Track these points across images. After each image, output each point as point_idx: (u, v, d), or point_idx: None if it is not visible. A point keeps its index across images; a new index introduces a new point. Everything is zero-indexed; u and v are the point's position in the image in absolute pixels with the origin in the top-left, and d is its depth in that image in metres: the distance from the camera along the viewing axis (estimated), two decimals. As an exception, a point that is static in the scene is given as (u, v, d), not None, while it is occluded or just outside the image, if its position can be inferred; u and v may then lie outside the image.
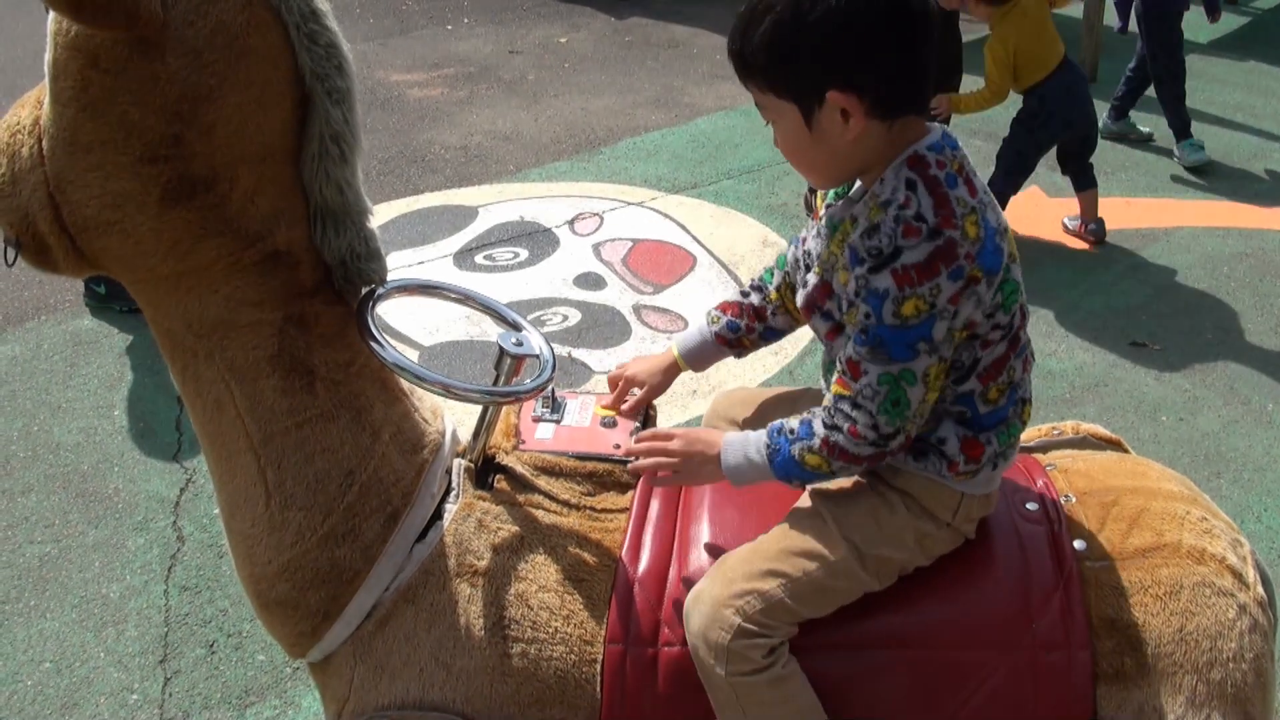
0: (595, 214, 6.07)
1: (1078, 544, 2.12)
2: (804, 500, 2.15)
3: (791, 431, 2.01)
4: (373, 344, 2.08)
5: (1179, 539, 2.11)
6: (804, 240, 2.17)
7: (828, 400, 1.99)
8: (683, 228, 5.90)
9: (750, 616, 1.99)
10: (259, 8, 1.88)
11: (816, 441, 1.97)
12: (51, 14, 1.85)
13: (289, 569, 2.09)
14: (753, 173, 6.53)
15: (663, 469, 2.12)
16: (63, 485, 4.14)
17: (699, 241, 5.74)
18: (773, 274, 2.35)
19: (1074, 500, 2.21)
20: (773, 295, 2.34)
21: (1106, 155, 6.82)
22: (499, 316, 2.33)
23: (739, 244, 5.70)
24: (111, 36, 1.81)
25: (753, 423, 2.42)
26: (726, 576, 2.04)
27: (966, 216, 1.85)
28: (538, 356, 2.21)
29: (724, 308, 2.39)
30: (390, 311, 5.04)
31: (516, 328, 2.27)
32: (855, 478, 2.12)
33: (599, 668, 2.08)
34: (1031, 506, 2.20)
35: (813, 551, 2.04)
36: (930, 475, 2.06)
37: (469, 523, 2.17)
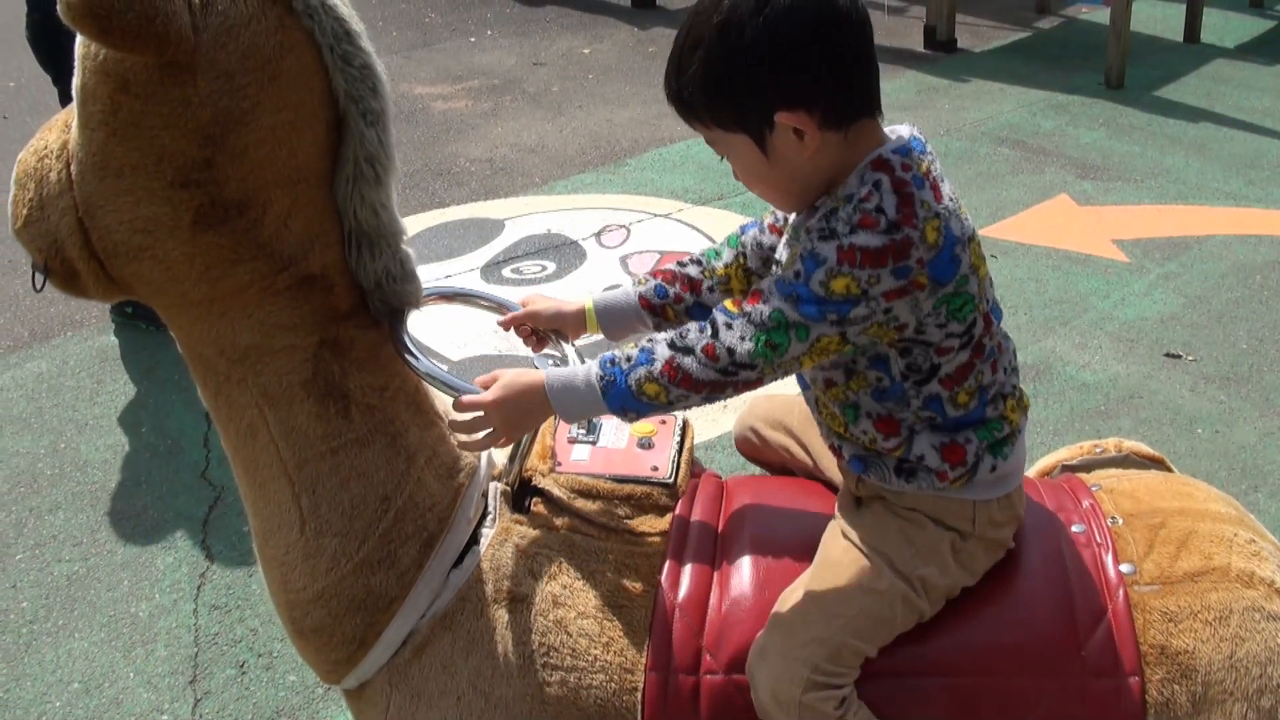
0: (622, 226, 6.05)
1: (1125, 567, 2.08)
2: (835, 537, 2.10)
3: (628, 359, 1.91)
4: (407, 357, 2.06)
5: (1228, 562, 2.06)
6: (769, 228, 2.18)
7: (690, 323, 1.92)
8: (710, 239, 5.86)
9: (817, 666, 1.95)
10: (292, 30, 1.86)
11: (658, 366, 1.88)
12: (80, 37, 1.82)
13: (324, 596, 2.06)
14: (779, 183, 6.46)
15: (491, 435, 2.03)
16: (90, 503, 4.13)
17: (726, 253, 5.68)
18: (719, 252, 2.27)
19: (1121, 522, 2.16)
20: (718, 271, 2.25)
21: (1135, 162, 6.79)
22: (553, 348, 2.30)
23: (766, 255, 5.61)
24: (141, 60, 1.78)
25: (774, 431, 2.42)
26: (785, 628, 2.00)
27: (929, 220, 1.80)
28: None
29: (654, 273, 2.29)
30: (417, 326, 5.02)
31: (562, 358, 2.24)
32: (874, 508, 2.08)
33: (640, 696, 2.05)
34: (1078, 529, 2.16)
35: (861, 585, 2.00)
36: (930, 493, 2.02)
37: (506, 548, 2.13)
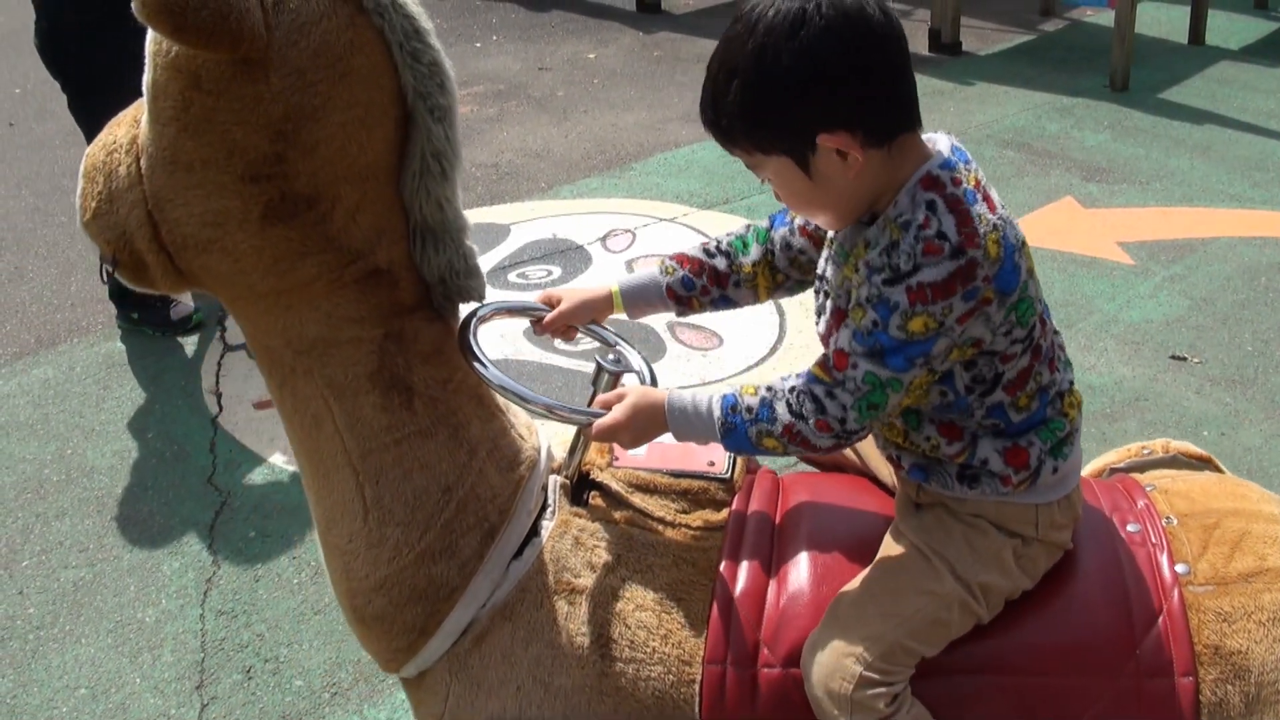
0: (628, 230, 6.05)
1: (1180, 568, 2.09)
2: (896, 538, 2.12)
3: (749, 410, 1.96)
4: (476, 365, 2.09)
5: None
6: (800, 230, 2.20)
7: (797, 383, 1.94)
8: (715, 243, 5.84)
9: (870, 664, 1.96)
10: (362, 27, 1.89)
11: (779, 428, 1.93)
12: (150, 34, 1.86)
13: (386, 584, 2.09)
14: (784, 187, 6.45)
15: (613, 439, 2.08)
16: (97, 509, 4.13)
17: (731, 257, 5.67)
18: (746, 245, 2.27)
19: (1175, 522, 2.17)
20: (745, 268, 2.25)
21: (1140, 164, 6.78)
22: (594, 334, 2.32)
23: (772, 259, 5.60)
24: (214, 57, 1.81)
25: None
26: (840, 624, 2.02)
27: (989, 234, 1.82)
28: (636, 373, 2.20)
29: (681, 260, 2.28)
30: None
31: (612, 344, 2.27)
32: (935, 512, 2.09)
33: (697, 688, 2.07)
34: (1133, 528, 2.18)
35: (920, 587, 2.02)
36: (993, 498, 2.03)
37: (565, 540, 2.16)
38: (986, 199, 1.87)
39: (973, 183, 1.87)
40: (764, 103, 1.82)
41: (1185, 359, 4.87)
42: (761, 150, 1.89)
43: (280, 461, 4.32)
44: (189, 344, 5.14)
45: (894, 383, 1.86)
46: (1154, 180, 6.61)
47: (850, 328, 1.89)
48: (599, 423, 2.04)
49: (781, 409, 1.94)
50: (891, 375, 1.85)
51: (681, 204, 6.36)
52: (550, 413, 2.08)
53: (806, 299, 2.15)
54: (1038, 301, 1.95)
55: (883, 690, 1.96)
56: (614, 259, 5.75)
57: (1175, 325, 5.12)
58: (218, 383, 4.84)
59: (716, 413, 1.98)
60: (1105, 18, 8.58)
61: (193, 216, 1.93)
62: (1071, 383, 2.08)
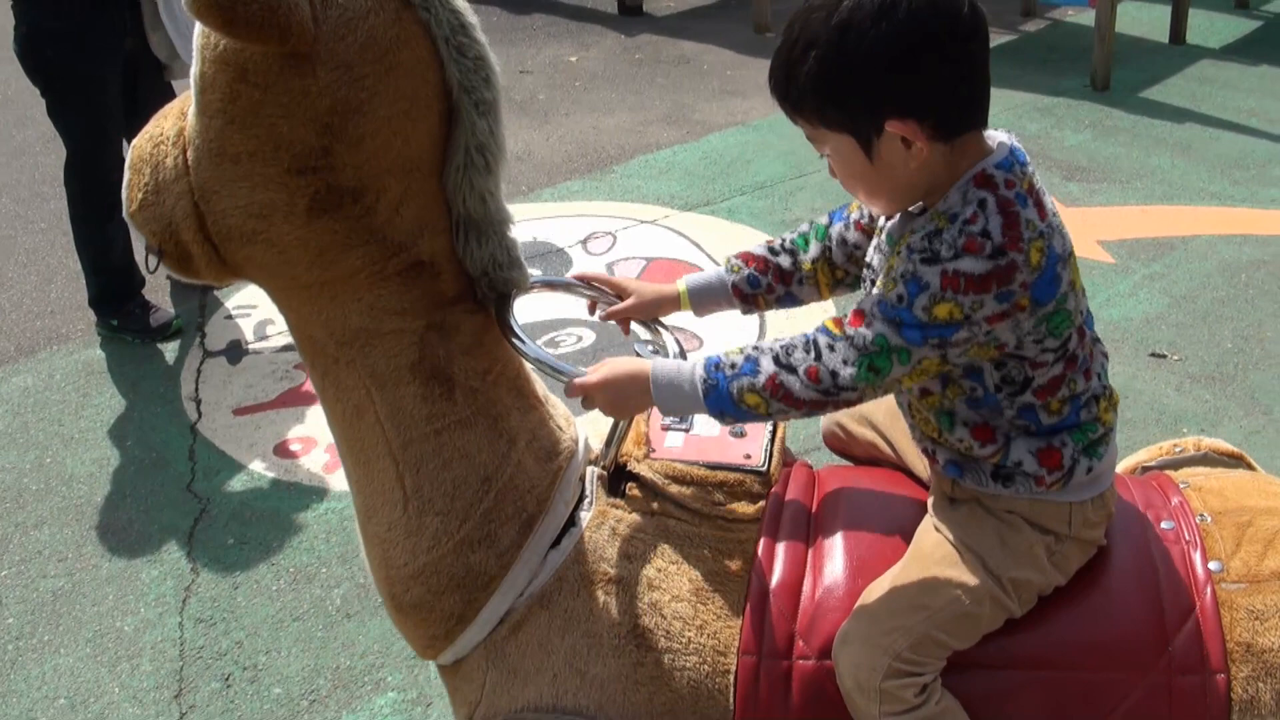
0: (608, 233, 6.04)
1: (1213, 565, 2.10)
2: (928, 530, 2.13)
3: (732, 366, 1.95)
4: (515, 341, 2.12)
5: None
6: (855, 225, 2.21)
7: (792, 339, 1.94)
8: (696, 245, 5.87)
9: (900, 655, 1.97)
10: (409, 22, 1.91)
11: (762, 380, 1.91)
12: (198, 27, 1.87)
13: (425, 573, 2.12)
14: (765, 188, 6.50)
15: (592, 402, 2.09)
16: (76, 518, 4.12)
17: (712, 259, 5.68)
18: (808, 242, 2.29)
19: (1209, 520, 2.18)
20: (805, 266, 2.28)
21: (1120, 163, 6.79)
22: (647, 326, 2.34)
23: (752, 261, 5.59)
24: (262, 50, 1.82)
25: (861, 425, 2.45)
26: (870, 615, 2.03)
27: (1033, 241, 1.81)
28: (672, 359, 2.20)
29: (747, 259, 2.31)
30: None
31: (653, 330, 2.30)
32: (969, 506, 2.09)
33: (732, 679, 2.08)
34: (1167, 525, 2.18)
35: (952, 581, 2.02)
36: (1027, 497, 2.03)
37: (603, 530, 2.18)
38: (1039, 204, 1.86)
39: (1026, 186, 1.86)
40: (840, 80, 1.82)
41: (1165, 356, 4.88)
42: (826, 125, 1.89)
43: (259, 468, 4.31)
44: (169, 350, 5.12)
45: (902, 353, 1.84)
46: (1135, 179, 6.62)
47: (876, 295, 1.88)
48: (575, 380, 2.06)
49: (767, 362, 1.92)
50: (903, 344, 1.83)
51: (663, 206, 6.35)
52: (539, 365, 2.13)
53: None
54: (1077, 314, 1.94)
55: (912, 681, 1.97)
56: (595, 261, 5.74)
57: (1155, 323, 5.12)
58: (197, 389, 4.82)
59: (700, 371, 1.97)
60: (1086, 17, 8.59)
61: (238, 208, 1.94)
62: (1107, 388, 2.08)
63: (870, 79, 1.80)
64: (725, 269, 2.32)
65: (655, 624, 2.10)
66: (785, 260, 2.29)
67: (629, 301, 2.33)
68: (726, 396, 1.94)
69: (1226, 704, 2.00)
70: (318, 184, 1.92)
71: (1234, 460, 2.45)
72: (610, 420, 2.22)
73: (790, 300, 2.32)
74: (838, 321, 1.90)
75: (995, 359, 1.92)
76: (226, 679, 3.39)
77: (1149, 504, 2.24)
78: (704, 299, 2.34)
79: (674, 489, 2.22)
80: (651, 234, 6.03)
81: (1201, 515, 2.19)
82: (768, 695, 2.07)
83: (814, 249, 2.27)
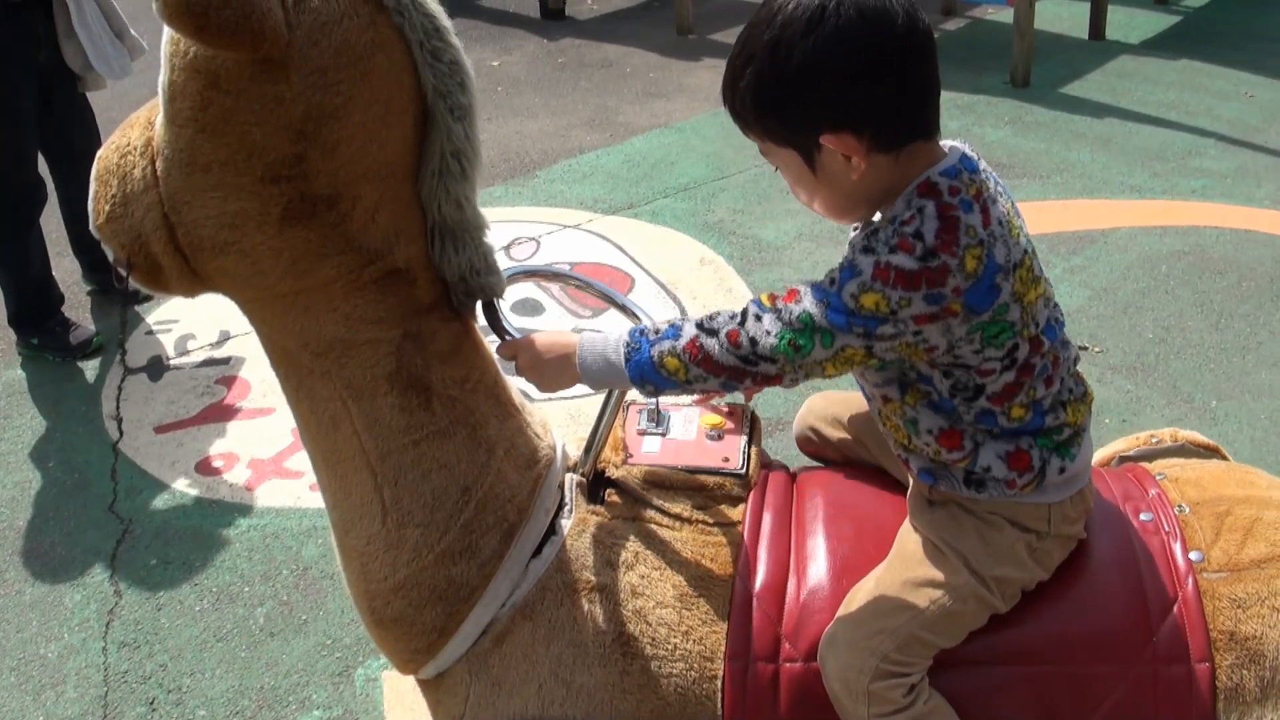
0: (531, 238, 6.01)
1: (1194, 555, 2.12)
2: (910, 533, 2.13)
3: (656, 332, 1.96)
4: (509, 338, 2.13)
5: None
6: None
7: (720, 310, 1.95)
8: (620, 249, 5.86)
9: (886, 656, 1.97)
10: (383, 26, 1.88)
11: (682, 343, 1.92)
12: (167, 35, 1.84)
13: (405, 586, 2.10)
14: (688, 190, 6.50)
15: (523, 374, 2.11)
16: (-3, 542, 4.06)
17: (636, 262, 5.70)
18: None
19: (1187, 511, 2.20)
20: None
21: (1040, 159, 6.85)
22: (620, 306, 2.33)
23: (676, 263, 5.67)
24: (234, 57, 1.78)
25: (834, 429, 2.45)
26: (856, 618, 2.03)
27: (970, 248, 1.80)
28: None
29: None
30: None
31: (635, 317, 2.27)
32: (950, 507, 2.09)
33: (720, 684, 2.08)
34: (1146, 517, 2.20)
35: (934, 580, 2.03)
36: (1003, 499, 2.04)
37: (584, 538, 2.17)
38: (985, 211, 1.85)
39: (973, 193, 1.85)
40: (773, 96, 1.84)
41: (1086, 349, 4.92)
42: (771, 139, 1.90)
43: (182, 486, 4.26)
44: (90, 368, 5.05)
45: (826, 334, 1.83)
46: (1055, 174, 6.68)
47: (812, 280, 1.89)
48: (510, 340, 2.10)
49: (689, 327, 1.93)
50: (827, 326, 1.83)
51: (586, 210, 6.34)
52: (609, 299, 2.21)
53: (702, 292, 2.14)
54: (1026, 327, 1.91)
55: (899, 681, 1.98)
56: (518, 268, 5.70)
57: (1076, 316, 5.16)
58: (118, 407, 4.76)
59: (624, 337, 1.97)
60: (1006, 15, 8.64)
61: (210, 218, 1.91)
62: (1073, 390, 2.07)
63: (802, 93, 1.81)
64: None
65: (640, 631, 2.09)
66: None
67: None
68: (647, 360, 1.94)
69: (1212, 692, 2.03)
70: (291, 192, 1.89)
71: (1209, 452, 2.49)
72: (590, 427, 2.22)
73: None
74: (771, 296, 1.91)
75: (943, 366, 1.92)
76: (151, 703, 3.35)
77: (1127, 496, 2.26)
78: None
79: (654, 495, 2.23)
80: (575, 239, 6.02)
81: (1180, 506, 2.21)
82: (755, 700, 2.08)
83: None
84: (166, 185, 1.92)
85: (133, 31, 5.08)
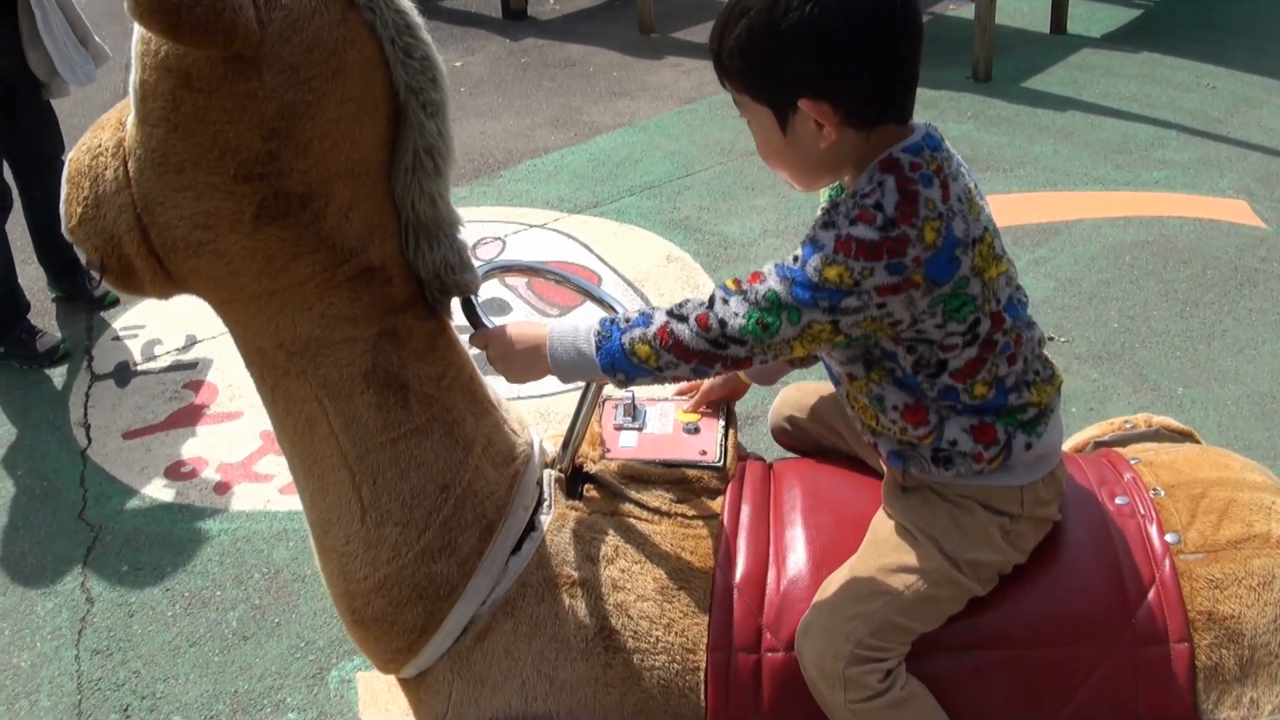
0: (497, 238, 6.00)
1: (1170, 537, 2.14)
2: (883, 519, 2.15)
3: (626, 320, 1.98)
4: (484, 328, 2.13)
5: (1268, 529, 2.14)
6: None
7: (692, 297, 1.97)
8: (586, 247, 5.86)
9: (861, 641, 1.99)
10: (355, 23, 1.88)
11: (653, 330, 1.93)
12: (137, 35, 1.83)
13: (385, 585, 2.10)
14: (653, 188, 6.51)
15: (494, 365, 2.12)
16: (-34, 552, 4.03)
17: (603, 260, 5.70)
18: None
19: (1163, 494, 2.22)
20: None
21: (1003, 153, 6.88)
22: (596, 299, 2.33)
23: (642, 261, 5.68)
24: (205, 55, 1.78)
25: (808, 419, 2.46)
26: (830, 604, 2.04)
27: (929, 220, 1.82)
28: None
29: None
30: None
31: (611, 308, 2.25)
32: (923, 492, 2.11)
33: (703, 676, 2.09)
34: (1121, 501, 2.22)
35: (908, 565, 2.04)
36: (974, 481, 2.05)
37: (564, 533, 2.17)
38: (944, 186, 1.86)
39: (934, 168, 1.87)
40: (762, 51, 1.84)
41: (1053, 339, 4.95)
42: (749, 93, 1.92)
43: (151, 491, 4.24)
44: (57, 375, 5.02)
45: (792, 311, 1.85)
46: (1018, 167, 6.71)
47: (777, 260, 1.90)
48: (482, 331, 2.10)
49: (660, 315, 1.95)
50: (793, 303, 1.84)
51: (551, 210, 6.34)
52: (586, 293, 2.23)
53: (669, 289, 2.15)
54: (988, 302, 1.92)
55: (875, 667, 1.99)
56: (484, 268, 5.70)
57: (1042, 307, 5.19)
58: (86, 414, 4.74)
59: (595, 326, 1.99)
60: (968, 10, 8.69)
61: (183, 219, 1.90)
62: (1039, 372, 2.08)
63: (791, 56, 1.82)
64: None
65: (622, 625, 2.10)
66: None
67: (703, 389, 2.41)
68: (618, 348, 1.95)
69: (1191, 672, 2.05)
70: (265, 191, 1.88)
71: (1182, 437, 2.51)
72: (563, 425, 2.23)
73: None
74: (736, 280, 1.93)
75: (906, 341, 1.94)
76: (125, 710, 3.33)
77: (1102, 481, 2.28)
78: (762, 373, 2.41)
79: (632, 489, 2.24)
80: (541, 238, 6.02)
81: (1155, 490, 2.23)
82: (739, 690, 2.09)
83: None
84: (139, 186, 1.91)
85: (96, 38, 5.06)
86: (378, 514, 2.08)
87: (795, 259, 1.86)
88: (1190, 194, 6.34)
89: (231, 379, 4.87)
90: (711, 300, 1.92)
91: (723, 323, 1.89)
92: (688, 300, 1.95)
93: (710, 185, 6.50)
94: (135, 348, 5.18)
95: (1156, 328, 5.05)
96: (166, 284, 2.02)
